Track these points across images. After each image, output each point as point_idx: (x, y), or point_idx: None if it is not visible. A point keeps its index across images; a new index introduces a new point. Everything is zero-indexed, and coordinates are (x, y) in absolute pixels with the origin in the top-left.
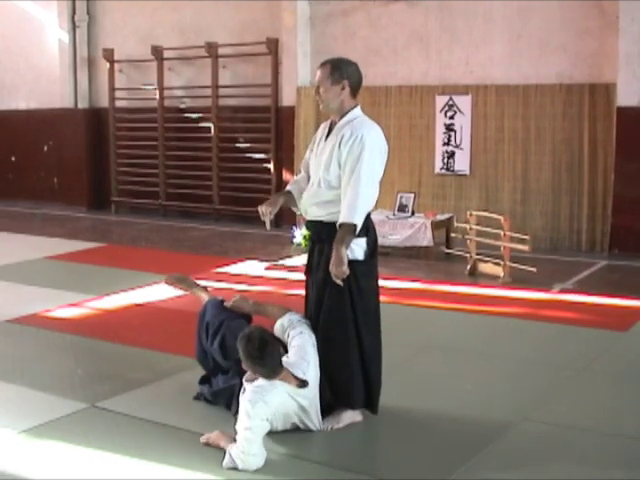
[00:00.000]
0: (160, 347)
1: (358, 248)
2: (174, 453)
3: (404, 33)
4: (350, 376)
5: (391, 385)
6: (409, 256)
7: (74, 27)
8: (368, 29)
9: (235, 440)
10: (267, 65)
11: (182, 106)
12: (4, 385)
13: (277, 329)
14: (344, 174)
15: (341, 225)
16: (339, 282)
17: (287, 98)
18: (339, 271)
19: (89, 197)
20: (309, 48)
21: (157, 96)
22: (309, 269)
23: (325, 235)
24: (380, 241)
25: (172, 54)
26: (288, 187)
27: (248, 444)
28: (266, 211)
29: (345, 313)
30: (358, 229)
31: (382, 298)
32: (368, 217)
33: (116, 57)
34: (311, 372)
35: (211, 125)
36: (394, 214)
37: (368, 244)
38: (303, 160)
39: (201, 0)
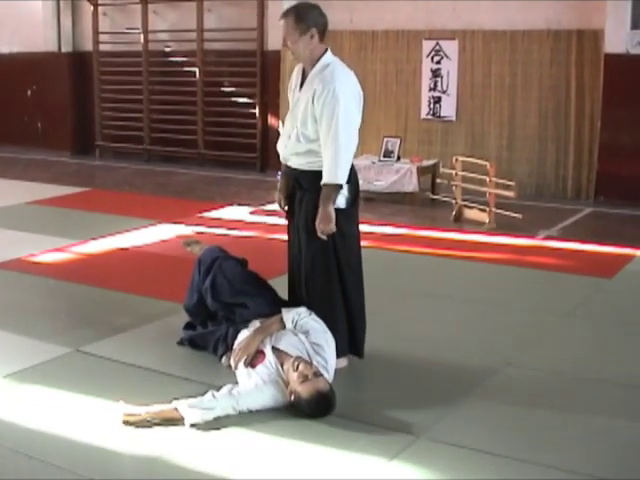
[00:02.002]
0: (144, 291)
1: (340, 197)
2: (157, 397)
3: None
4: (334, 322)
5: (374, 330)
6: (394, 201)
7: None
8: None
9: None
10: (253, 8)
11: (167, 50)
12: None
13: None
14: (321, 129)
15: (326, 184)
16: (324, 238)
17: (273, 42)
18: (326, 229)
19: (73, 142)
20: None
21: (141, 40)
22: (291, 214)
23: (305, 183)
24: (365, 186)
25: None
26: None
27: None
28: (281, 200)
29: (328, 259)
30: (344, 185)
31: (366, 243)
32: (351, 168)
33: (100, 0)
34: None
35: (196, 69)
36: (380, 159)
37: (350, 192)
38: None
39: None
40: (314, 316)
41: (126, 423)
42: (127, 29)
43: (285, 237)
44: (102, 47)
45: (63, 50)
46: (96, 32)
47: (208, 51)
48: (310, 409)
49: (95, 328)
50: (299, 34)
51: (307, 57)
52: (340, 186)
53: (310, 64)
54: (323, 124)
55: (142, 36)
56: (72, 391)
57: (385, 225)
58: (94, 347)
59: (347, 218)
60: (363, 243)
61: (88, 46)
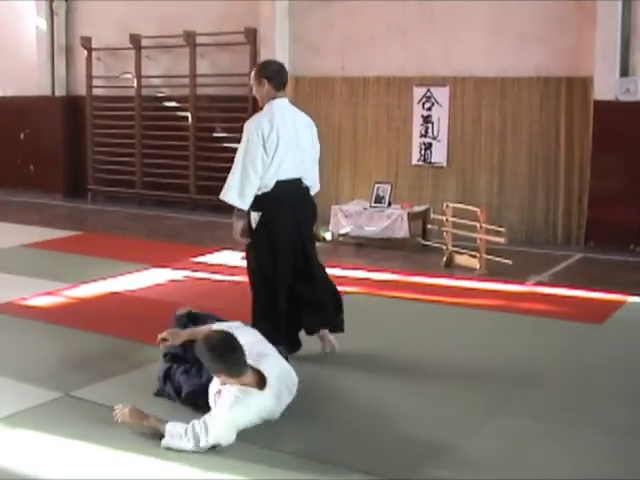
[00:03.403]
0: (135, 336)
1: (252, 220)
2: (147, 443)
3: (382, 24)
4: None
5: (361, 376)
6: (385, 247)
7: (52, 14)
8: (346, 19)
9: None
10: (245, 55)
11: (159, 95)
12: None
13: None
14: None
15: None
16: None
17: None
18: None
19: (65, 185)
20: (287, 38)
21: (135, 85)
22: None
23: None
24: (356, 232)
25: (150, 43)
26: None
27: (211, 435)
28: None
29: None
30: (236, 204)
31: (357, 289)
32: (266, 196)
33: (94, 45)
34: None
35: (188, 114)
36: (371, 205)
37: (261, 217)
38: None
39: None
40: (247, 329)
41: (123, 423)
42: (120, 74)
43: None
44: (95, 91)
45: (57, 94)
46: (90, 76)
47: (200, 96)
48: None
49: (86, 373)
50: (257, 83)
51: (261, 100)
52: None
53: (262, 105)
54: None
55: (135, 81)
56: (62, 436)
57: (376, 271)
58: (85, 392)
59: (258, 238)
60: (353, 289)
61: (82, 90)
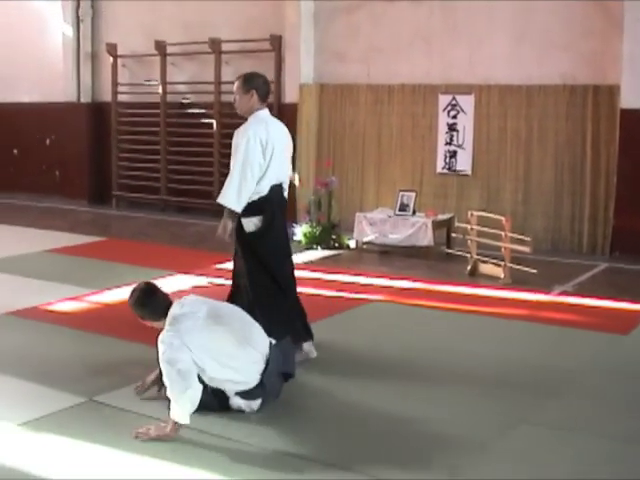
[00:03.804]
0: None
1: (251, 224)
2: (169, 448)
3: (407, 31)
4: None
5: (385, 386)
6: (409, 255)
7: (78, 21)
8: (371, 27)
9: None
10: (270, 62)
11: (184, 102)
12: (3, 378)
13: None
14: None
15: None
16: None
17: (290, 95)
18: (218, 234)
19: (90, 191)
20: (312, 45)
21: (160, 91)
22: None
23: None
24: (380, 240)
25: (175, 49)
26: None
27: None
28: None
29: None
30: (233, 208)
31: (381, 297)
32: (265, 200)
33: (119, 52)
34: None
35: (213, 121)
36: (395, 213)
37: (262, 222)
38: None
39: None
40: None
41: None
42: (145, 81)
43: (302, 290)
44: (120, 98)
45: (82, 100)
46: (115, 83)
47: (225, 103)
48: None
49: (109, 378)
50: (242, 92)
51: (247, 111)
52: (229, 208)
53: (248, 116)
54: (232, 157)
55: (160, 88)
56: (85, 440)
57: (399, 279)
58: (108, 397)
59: (260, 242)
60: (377, 296)
61: (107, 97)
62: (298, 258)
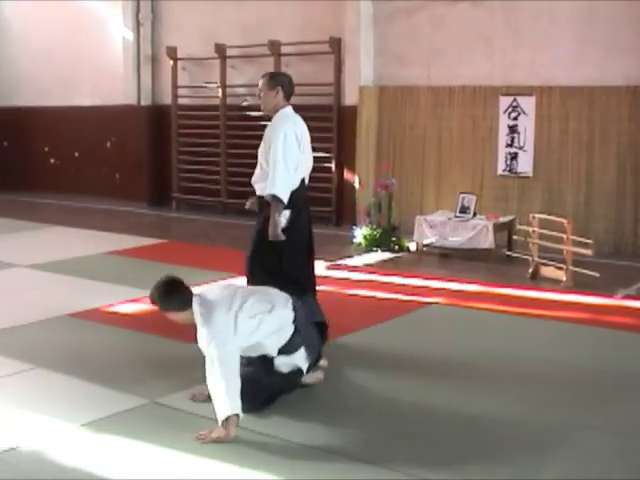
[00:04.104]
0: None
1: (283, 218)
2: (230, 449)
3: (468, 33)
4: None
5: (446, 388)
6: (470, 258)
7: (138, 25)
8: (432, 29)
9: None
10: (329, 64)
11: (244, 104)
12: (67, 378)
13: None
14: (269, 156)
15: (268, 196)
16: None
17: (349, 97)
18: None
19: (150, 193)
20: (372, 47)
21: (219, 94)
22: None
23: (264, 204)
24: (441, 242)
25: (235, 52)
26: None
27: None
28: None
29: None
30: (284, 199)
31: (441, 300)
32: (297, 193)
33: (179, 55)
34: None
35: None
36: (456, 215)
37: (291, 215)
38: None
39: None
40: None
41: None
42: (205, 83)
43: (363, 292)
44: (180, 101)
45: (142, 103)
46: (175, 86)
47: None
48: None
49: (171, 380)
50: (268, 89)
51: (272, 107)
52: (276, 198)
53: (273, 114)
54: (269, 152)
55: (220, 90)
56: (147, 442)
57: (460, 282)
58: (170, 399)
59: (292, 233)
60: (437, 299)
61: (167, 100)
62: (358, 260)
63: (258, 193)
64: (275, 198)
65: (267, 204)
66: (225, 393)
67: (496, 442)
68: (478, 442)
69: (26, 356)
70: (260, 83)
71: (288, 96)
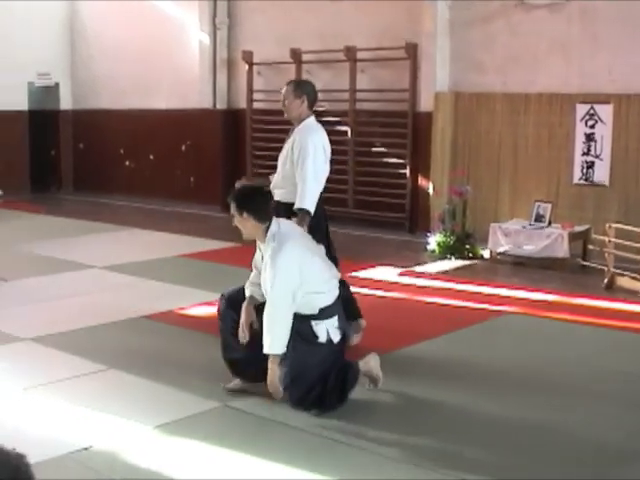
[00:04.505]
0: None
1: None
2: (302, 456)
3: (545, 40)
4: None
5: (524, 399)
6: (544, 267)
7: (215, 29)
8: (508, 35)
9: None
10: (405, 70)
11: (319, 109)
12: (140, 380)
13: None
14: (297, 168)
15: (298, 209)
16: None
17: (425, 104)
18: None
19: (224, 197)
20: (448, 53)
21: None
22: None
23: (282, 210)
24: (515, 251)
25: (310, 57)
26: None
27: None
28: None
29: None
30: (312, 212)
31: (514, 309)
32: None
33: (255, 59)
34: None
35: (348, 129)
36: (530, 224)
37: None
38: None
39: (341, 3)
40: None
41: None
42: (280, 88)
43: (436, 300)
44: (255, 105)
45: (218, 107)
46: (250, 90)
47: (360, 111)
48: None
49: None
50: (294, 97)
51: (297, 116)
52: (307, 212)
53: (298, 122)
54: (298, 164)
55: None
56: (219, 446)
57: (534, 291)
58: (242, 403)
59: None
60: (510, 308)
61: (242, 104)
62: (431, 267)
63: (276, 198)
64: (303, 210)
65: (285, 209)
66: (271, 331)
67: (581, 448)
68: (555, 456)
69: (100, 357)
70: (285, 90)
71: (312, 105)
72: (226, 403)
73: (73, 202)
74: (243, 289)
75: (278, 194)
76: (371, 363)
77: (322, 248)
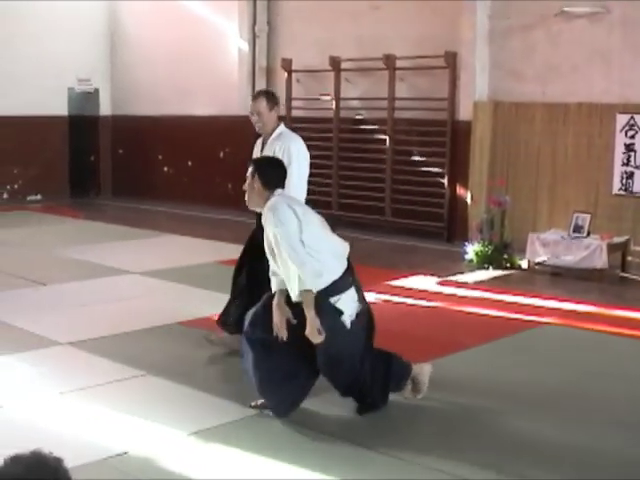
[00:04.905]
0: None
1: None
2: (337, 465)
3: (585, 49)
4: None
5: (556, 409)
6: (582, 278)
7: (254, 37)
8: (548, 45)
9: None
10: (444, 79)
11: (358, 117)
12: (176, 386)
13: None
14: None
15: None
16: None
17: (464, 112)
18: None
19: None
20: (487, 62)
21: (333, 106)
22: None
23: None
24: (553, 261)
25: (349, 65)
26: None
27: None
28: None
29: None
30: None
31: (552, 320)
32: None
33: (294, 67)
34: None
35: (386, 137)
36: (569, 234)
37: None
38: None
39: (380, 11)
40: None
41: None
42: (319, 95)
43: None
44: (294, 112)
45: None
46: (289, 98)
47: (398, 119)
48: None
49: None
50: (268, 110)
51: (272, 126)
52: None
53: (271, 132)
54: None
55: (334, 103)
56: (253, 453)
57: (572, 302)
58: None
59: None
60: (548, 319)
61: (281, 111)
62: (469, 277)
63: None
64: None
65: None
66: (304, 270)
67: (627, 466)
68: (605, 467)
69: (137, 362)
70: (257, 103)
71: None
72: (262, 411)
73: (112, 207)
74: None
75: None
76: (424, 369)
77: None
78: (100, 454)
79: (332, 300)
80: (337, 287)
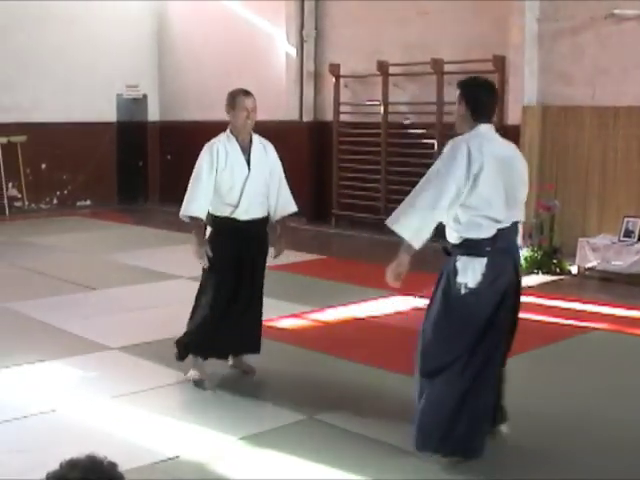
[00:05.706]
0: (377, 364)
1: None
2: (387, 471)
3: (635, 52)
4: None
5: (602, 412)
6: (633, 283)
7: (302, 42)
8: (597, 48)
9: None
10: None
11: (406, 122)
12: (226, 391)
13: None
14: (274, 177)
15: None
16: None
17: (512, 117)
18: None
19: (310, 209)
20: (536, 66)
21: (381, 111)
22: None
23: (262, 229)
24: (603, 266)
25: (397, 70)
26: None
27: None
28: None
29: None
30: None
31: (601, 325)
32: None
33: (342, 72)
34: None
35: (434, 142)
36: (619, 239)
37: None
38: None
39: (428, 15)
40: None
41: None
42: (367, 101)
43: (522, 315)
44: (342, 117)
45: (304, 119)
46: (337, 103)
47: (447, 124)
48: None
49: (329, 397)
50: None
51: (244, 126)
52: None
53: (249, 134)
54: (276, 172)
55: (382, 108)
56: (303, 458)
57: (622, 307)
58: (329, 416)
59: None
60: (599, 325)
61: (329, 116)
62: None
63: (259, 215)
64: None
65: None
66: (422, 209)
67: None
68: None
69: (186, 367)
70: (254, 100)
71: None
72: (312, 416)
73: (160, 213)
74: None
75: (260, 211)
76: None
77: None
78: (151, 458)
79: (457, 259)
80: (477, 246)
